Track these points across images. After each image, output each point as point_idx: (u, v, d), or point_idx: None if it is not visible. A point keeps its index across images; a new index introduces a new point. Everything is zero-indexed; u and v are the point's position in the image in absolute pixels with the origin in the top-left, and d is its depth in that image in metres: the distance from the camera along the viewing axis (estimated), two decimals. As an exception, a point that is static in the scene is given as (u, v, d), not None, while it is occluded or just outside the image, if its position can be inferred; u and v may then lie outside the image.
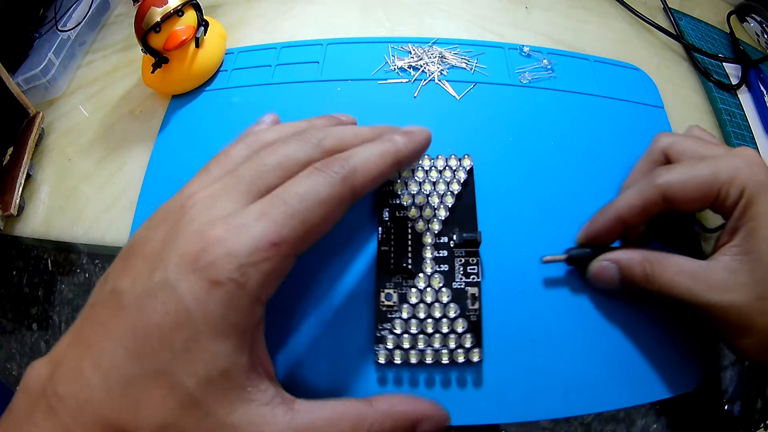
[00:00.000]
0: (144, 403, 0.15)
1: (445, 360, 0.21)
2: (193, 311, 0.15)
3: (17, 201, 0.28)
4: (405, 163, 0.21)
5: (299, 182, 0.17)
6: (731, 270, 0.20)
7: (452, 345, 0.21)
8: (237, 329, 0.15)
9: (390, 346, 0.21)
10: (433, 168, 0.25)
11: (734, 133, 0.31)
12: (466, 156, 0.25)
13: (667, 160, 0.24)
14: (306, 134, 0.19)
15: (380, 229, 0.24)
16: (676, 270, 0.21)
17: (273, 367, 0.18)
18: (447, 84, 0.30)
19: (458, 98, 0.29)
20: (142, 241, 0.17)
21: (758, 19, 0.37)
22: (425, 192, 0.24)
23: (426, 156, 0.25)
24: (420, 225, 0.24)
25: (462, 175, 0.25)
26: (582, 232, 0.24)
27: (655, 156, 0.25)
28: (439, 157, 0.25)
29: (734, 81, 0.34)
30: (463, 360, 0.21)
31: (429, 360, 0.21)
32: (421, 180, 0.25)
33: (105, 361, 0.15)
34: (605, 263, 0.23)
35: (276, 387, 0.17)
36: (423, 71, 0.30)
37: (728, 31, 0.37)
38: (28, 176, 0.30)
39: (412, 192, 0.24)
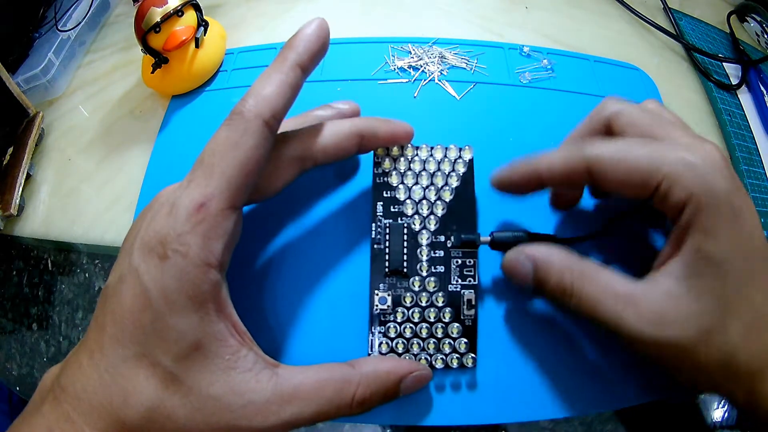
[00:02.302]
0: (131, 387, 0.15)
1: (439, 365, 0.21)
2: (151, 290, 0.15)
3: (17, 201, 0.28)
4: (309, 65, 0.19)
5: (211, 139, 0.17)
6: (674, 297, 0.17)
7: (447, 350, 0.21)
8: (195, 300, 0.16)
9: (384, 350, 0.21)
10: (431, 159, 0.24)
11: (734, 133, 0.31)
12: (466, 147, 0.24)
13: (609, 132, 0.21)
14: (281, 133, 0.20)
15: (374, 225, 0.23)
16: (603, 287, 0.18)
17: (246, 330, 0.17)
18: (447, 84, 0.30)
19: (458, 98, 0.29)
20: (126, 238, 0.18)
21: (758, 19, 0.37)
22: (422, 185, 0.23)
23: (423, 145, 0.24)
24: (416, 223, 0.23)
25: (461, 169, 0.24)
26: (495, 174, 0.21)
27: (595, 124, 0.21)
28: (438, 147, 0.24)
29: (734, 81, 0.34)
30: (457, 365, 0.21)
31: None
32: (417, 171, 0.24)
33: (96, 351, 0.16)
34: (521, 258, 0.20)
35: (256, 352, 0.17)
36: (423, 71, 0.30)
37: (728, 31, 0.37)
38: (28, 176, 0.30)
39: (409, 185, 0.23)
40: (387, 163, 0.24)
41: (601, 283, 0.18)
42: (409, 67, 0.30)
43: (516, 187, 0.21)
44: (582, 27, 0.35)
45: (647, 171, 0.17)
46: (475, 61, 0.31)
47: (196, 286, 0.16)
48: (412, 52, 0.31)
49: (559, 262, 0.19)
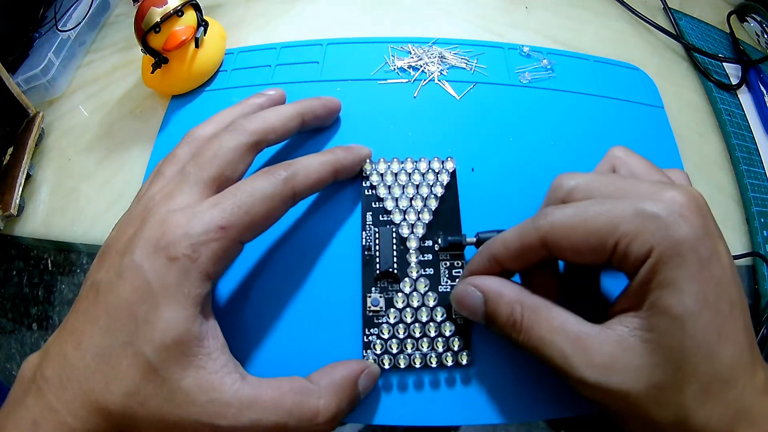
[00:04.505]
0: (113, 374, 0.16)
1: (433, 364, 0.21)
2: (153, 284, 0.17)
3: (17, 201, 0.28)
4: (343, 173, 0.24)
5: (248, 181, 0.20)
6: (625, 346, 0.16)
7: (440, 348, 0.21)
8: (189, 298, 0.17)
9: (378, 351, 0.21)
10: (416, 171, 0.25)
11: (734, 133, 0.31)
12: (448, 158, 0.25)
13: None
14: (235, 125, 0.22)
15: (364, 234, 0.24)
16: (555, 326, 0.17)
17: (224, 340, 0.18)
18: (447, 84, 0.30)
19: (458, 98, 0.29)
20: (113, 241, 0.19)
21: (758, 19, 0.37)
22: (408, 195, 0.24)
23: (408, 159, 0.25)
24: (404, 229, 0.24)
25: (445, 178, 0.25)
26: (465, 270, 0.21)
27: (554, 203, 0.19)
28: (422, 159, 0.25)
29: (734, 81, 0.34)
30: (451, 363, 0.21)
31: (418, 364, 0.21)
32: (404, 183, 0.25)
33: (84, 341, 0.17)
34: (469, 289, 0.19)
35: (227, 358, 0.18)
36: (423, 71, 0.30)
37: (728, 31, 0.37)
38: (28, 176, 0.30)
39: (396, 196, 0.25)
40: (375, 177, 0.25)
41: (552, 320, 0.17)
42: (409, 67, 0.30)
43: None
44: (582, 27, 0.35)
45: (604, 233, 0.16)
46: (475, 61, 0.31)
47: (194, 288, 0.17)
48: (412, 52, 0.31)
49: (509, 294, 0.18)
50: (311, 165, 0.22)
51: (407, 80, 0.30)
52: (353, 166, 0.24)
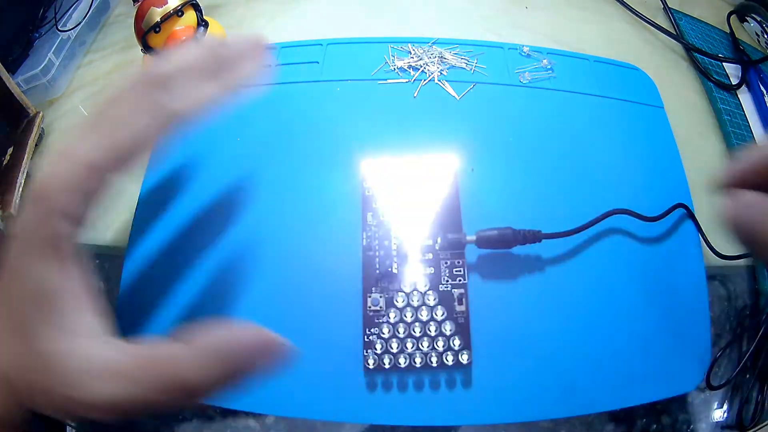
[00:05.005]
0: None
1: (434, 363, 0.21)
2: (20, 233, 0.15)
3: (17, 201, 0.28)
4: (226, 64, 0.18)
5: (113, 98, 0.17)
6: None
7: (441, 347, 0.21)
8: (51, 248, 0.15)
9: (379, 350, 0.21)
10: (415, 171, 0.25)
11: (734, 133, 0.31)
12: (448, 158, 0.25)
13: None
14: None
15: (364, 234, 0.24)
16: None
17: (98, 297, 0.16)
18: (447, 84, 0.30)
19: (458, 98, 0.29)
20: None
21: (758, 19, 0.37)
22: (408, 195, 0.25)
23: (408, 158, 0.25)
24: (404, 229, 0.24)
25: (445, 178, 0.25)
26: (725, 171, 0.16)
27: None
28: (422, 159, 0.25)
29: (734, 81, 0.34)
30: (452, 362, 0.21)
31: (418, 363, 0.21)
32: (404, 183, 0.25)
33: None
34: (747, 206, 0.14)
35: (92, 318, 0.16)
36: (423, 71, 0.30)
37: (728, 31, 0.37)
38: (28, 176, 0.30)
39: (396, 196, 0.25)
40: (375, 177, 0.25)
41: None
42: (409, 67, 0.30)
43: (749, 178, 0.15)
44: (582, 27, 0.35)
45: None
46: (475, 61, 0.31)
47: (52, 230, 0.16)
48: (412, 52, 0.31)
49: None
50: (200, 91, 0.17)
51: (407, 80, 0.30)
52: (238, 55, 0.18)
